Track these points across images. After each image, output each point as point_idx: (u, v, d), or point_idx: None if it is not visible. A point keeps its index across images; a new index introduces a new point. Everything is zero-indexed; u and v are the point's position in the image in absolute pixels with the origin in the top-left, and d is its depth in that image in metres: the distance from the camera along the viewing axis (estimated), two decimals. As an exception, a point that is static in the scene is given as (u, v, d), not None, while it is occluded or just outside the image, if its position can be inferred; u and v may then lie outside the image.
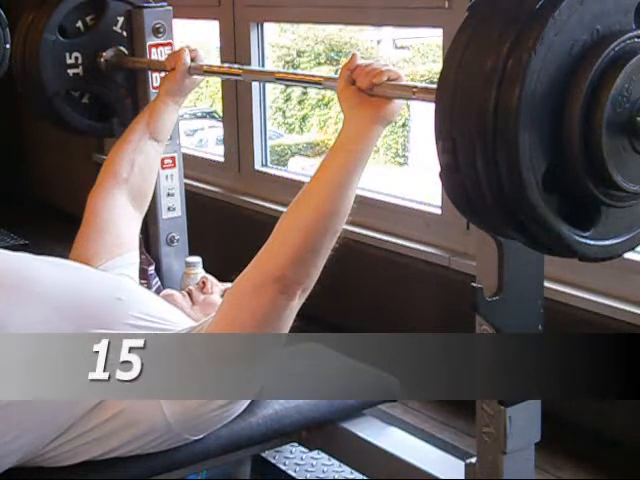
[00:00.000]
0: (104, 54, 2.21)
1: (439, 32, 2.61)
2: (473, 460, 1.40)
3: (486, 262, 1.30)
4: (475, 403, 1.36)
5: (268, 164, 3.39)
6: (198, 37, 4.12)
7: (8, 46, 2.48)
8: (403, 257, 2.69)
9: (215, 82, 4.69)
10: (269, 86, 3.44)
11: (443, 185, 1.08)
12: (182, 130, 2.40)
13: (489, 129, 0.99)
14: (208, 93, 5.11)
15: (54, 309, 1.52)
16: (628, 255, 2.24)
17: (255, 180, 3.35)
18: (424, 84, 1.38)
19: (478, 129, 1.00)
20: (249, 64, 3.25)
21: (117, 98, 2.25)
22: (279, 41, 4.42)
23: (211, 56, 3.61)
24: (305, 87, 1.57)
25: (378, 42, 4.20)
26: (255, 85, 3.29)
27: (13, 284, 1.55)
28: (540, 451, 1.39)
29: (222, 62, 3.43)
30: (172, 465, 1.61)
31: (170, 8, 2.18)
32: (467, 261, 2.44)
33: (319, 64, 4.59)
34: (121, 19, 2.22)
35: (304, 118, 4.68)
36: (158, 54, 2.18)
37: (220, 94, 3.57)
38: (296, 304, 1.49)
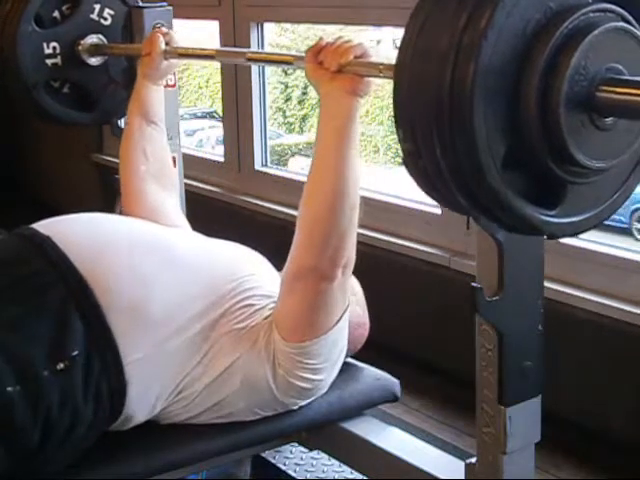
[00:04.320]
0: (82, 42, 2.19)
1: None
2: (473, 460, 1.40)
3: (486, 262, 1.30)
4: (475, 403, 1.36)
5: (268, 164, 3.39)
6: (200, 36, 4.12)
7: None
8: (403, 257, 2.69)
9: (215, 82, 4.69)
10: (269, 86, 3.44)
11: (407, 171, 1.07)
12: (182, 130, 2.40)
13: (445, 114, 0.97)
14: (208, 93, 5.11)
15: (189, 273, 1.64)
16: (628, 255, 2.25)
17: (255, 180, 3.35)
18: (389, 62, 1.36)
19: (434, 114, 0.98)
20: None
21: (98, 87, 2.24)
22: (279, 41, 4.42)
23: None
24: (277, 66, 1.60)
25: (378, 42, 4.20)
26: (255, 85, 3.28)
27: (161, 247, 1.67)
28: (540, 451, 1.39)
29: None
30: (172, 465, 1.61)
31: (170, 8, 2.18)
32: (467, 261, 2.44)
33: (319, 64, 4.58)
34: (98, 7, 2.20)
35: (304, 118, 4.68)
36: (158, 54, 2.17)
37: (220, 94, 3.57)
38: (341, 281, 1.55)
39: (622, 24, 1.04)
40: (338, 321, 1.59)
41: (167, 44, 1.99)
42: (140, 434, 1.59)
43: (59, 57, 2.18)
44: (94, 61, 2.21)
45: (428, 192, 1.08)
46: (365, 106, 4.71)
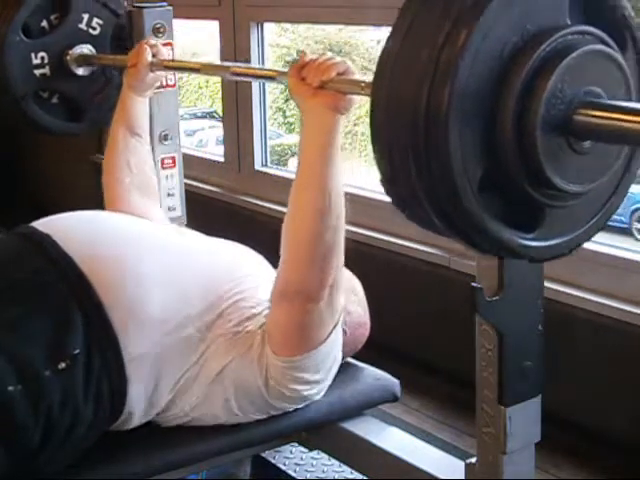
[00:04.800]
0: (71, 52, 2.19)
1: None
2: (473, 460, 1.40)
3: (486, 262, 1.30)
4: (475, 403, 1.36)
5: (268, 164, 3.39)
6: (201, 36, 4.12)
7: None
8: (403, 257, 2.69)
9: (215, 82, 4.69)
10: (269, 86, 3.44)
11: (385, 192, 1.05)
12: (182, 130, 2.40)
13: (420, 136, 0.95)
14: (208, 93, 5.11)
15: (188, 271, 1.64)
16: (628, 255, 2.25)
17: (255, 180, 3.34)
18: (371, 80, 1.36)
19: (410, 137, 0.97)
20: (249, 64, 3.25)
21: (87, 97, 2.24)
22: (279, 41, 4.42)
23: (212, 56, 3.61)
24: (262, 81, 1.64)
25: (378, 42, 4.20)
26: (255, 85, 3.28)
27: (161, 245, 1.68)
28: (540, 451, 1.39)
29: (222, 62, 3.43)
30: (172, 465, 1.61)
31: (170, 8, 2.18)
32: (467, 261, 2.44)
33: (319, 64, 4.58)
34: (86, 16, 2.20)
35: (304, 118, 4.67)
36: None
37: (220, 94, 3.57)
38: (329, 300, 1.53)
39: (600, 47, 1.02)
40: (329, 335, 1.58)
41: (154, 56, 1.99)
42: (140, 434, 1.59)
43: (47, 67, 2.17)
44: (82, 71, 2.21)
45: (404, 213, 1.06)
46: (365, 106, 4.71)
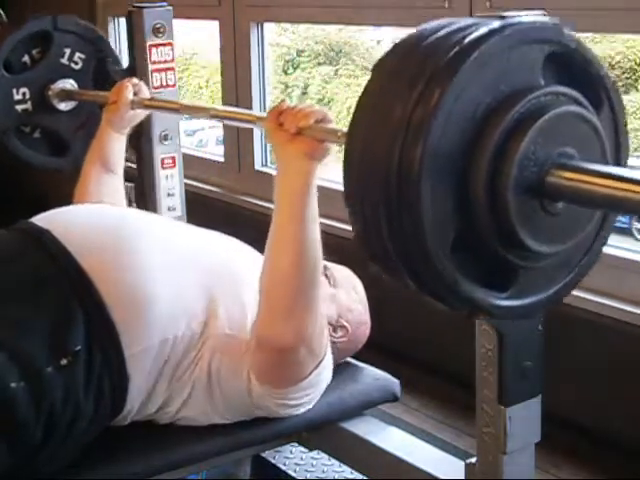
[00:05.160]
0: (52, 87, 2.18)
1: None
2: (473, 460, 1.40)
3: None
4: (475, 403, 1.36)
5: (268, 164, 3.39)
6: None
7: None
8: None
9: (215, 82, 4.69)
10: (269, 86, 3.44)
11: (358, 245, 1.04)
12: (182, 130, 2.40)
13: (392, 195, 0.94)
14: (208, 93, 5.11)
15: (188, 264, 1.64)
16: (628, 255, 2.25)
17: (255, 180, 3.34)
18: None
19: (382, 195, 0.95)
20: (249, 64, 3.26)
21: (69, 131, 2.23)
22: (279, 41, 4.42)
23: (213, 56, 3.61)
24: (240, 124, 1.66)
25: (378, 42, 4.20)
26: (255, 85, 3.29)
27: (161, 239, 1.67)
28: (540, 451, 1.39)
29: (222, 62, 3.44)
30: (172, 465, 1.61)
31: (170, 8, 2.18)
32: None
33: (319, 64, 4.59)
34: (68, 51, 2.19)
35: (304, 118, 4.68)
36: (158, 54, 2.18)
37: (220, 94, 3.57)
38: (308, 349, 1.53)
39: (574, 108, 1.01)
40: (311, 372, 1.58)
41: (135, 94, 1.99)
42: (140, 434, 1.59)
43: (29, 102, 2.17)
44: (64, 106, 2.21)
45: (378, 268, 1.05)
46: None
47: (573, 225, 1.05)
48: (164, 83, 2.17)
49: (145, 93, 2.02)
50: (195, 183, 3.37)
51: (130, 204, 2.14)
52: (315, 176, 1.45)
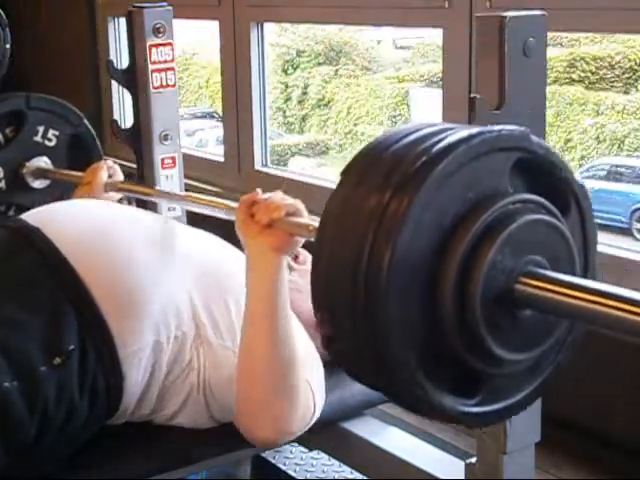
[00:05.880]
0: (27, 165, 2.18)
1: (439, 32, 2.61)
2: (473, 460, 1.40)
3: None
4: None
5: (268, 164, 3.39)
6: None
7: (8, 46, 2.47)
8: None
9: (215, 82, 4.69)
10: (269, 86, 3.44)
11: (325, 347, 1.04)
12: (182, 130, 2.40)
13: (360, 304, 0.93)
14: (208, 93, 5.11)
15: (182, 263, 1.63)
16: (628, 255, 2.25)
17: (255, 180, 3.34)
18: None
19: (350, 303, 0.94)
20: (249, 64, 3.26)
21: None
22: (279, 40, 4.42)
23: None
24: (211, 213, 1.65)
25: (378, 42, 4.20)
26: (255, 85, 3.28)
27: (155, 236, 1.66)
28: (540, 451, 1.39)
29: (222, 62, 3.44)
30: (172, 465, 1.61)
31: (170, 8, 2.18)
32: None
33: (319, 64, 4.59)
34: (41, 129, 2.20)
35: (304, 118, 4.68)
36: (158, 54, 2.18)
37: (220, 94, 3.57)
38: (289, 436, 1.53)
39: (543, 216, 1.00)
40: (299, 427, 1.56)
41: (110, 176, 1.99)
42: (140, 434, 1.59)
43: (3, 181, 2.17)
44: (39, 184, 2.21)
45: (346, 372, 1.05)
46: (365, 106, 4.71)
47: (542, 332, 1.04)
48: (164, 83, 2.16)
49: (119, 176, 2.03)
50: (195, 183, 3.37)
51: (130, 204, 2.14)
52: (283, 269, 1.45)
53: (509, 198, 0.99)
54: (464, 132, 0.97)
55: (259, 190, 1.50)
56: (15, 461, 1.43)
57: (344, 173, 1.00)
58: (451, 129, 0.98)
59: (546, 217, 1.01)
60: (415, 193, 0.92)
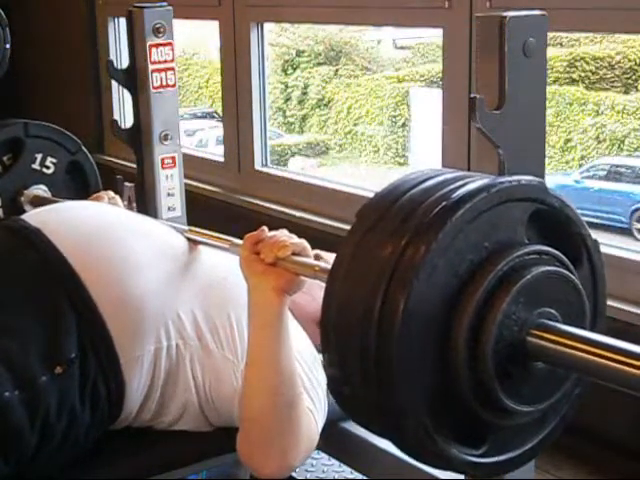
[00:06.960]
0: (25, 193, 2.18)
1: (439, 32, 2.61)
2: (473, 460, 1.40)
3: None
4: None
5: (268, 164, 3.39)
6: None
7: (8, 46, 2.47)
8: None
9: (215, 82, 4.70)
10: (269, 86, 3.44)
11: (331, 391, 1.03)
12: (182, 130, 2.40)
13: (370, 350, 0.92)
14: (208, 93, 5.11)
15: (182, 266, 1.62)
16: (628, 255, 2.25)
17: (255, 180, 3.35)
18: (325, 265, 1.32)
19: (359, 348, 0.94)
20: (249, 64, 3.26)
21: None
22: (279, 40, 4.42)
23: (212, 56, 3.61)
24: (213, 248, 1.62)
25: (378, 42, 4.20)
26: (255, 85, 3.29)
27: (157, 241, 1.64)
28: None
29: (222, 62, 3.44)
30: (171, 465, 1.61)
31: (170, 8, 2.18)
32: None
33: (319, 64, 4.59)
34: (39, 156, 2.19)
35: (304, 118, 4.69)
36: (158, 54, 2.18)
37: (220, 94, 3.57)
38: (293, 468, 1.50)
39: (556, 268, 1.00)
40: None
41: None
42: (139, 434, 1.59)
43: (1, 210, 2.16)
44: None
45: (351, 417, 1.04)
46: (365, 106, 4.71)
47: (551, 385, 1.04)
48: (164, 83, 2.16)
49: (120, 206, 2.01)
50: (195, 183, 3.37)
51: (130, 204, 2.14)
52: (286, 309, 1.43)
53: (525, 249, 0.98)
54: (483, 180, 0.97)
55: (265, 228, 1.47)
56: (16, 470, 1.42)
57: (359, 216, 0.99)
58: (470, 177, 0.98)
59: (560, 269, 1.01)
60: (433, 239, 0.91)
